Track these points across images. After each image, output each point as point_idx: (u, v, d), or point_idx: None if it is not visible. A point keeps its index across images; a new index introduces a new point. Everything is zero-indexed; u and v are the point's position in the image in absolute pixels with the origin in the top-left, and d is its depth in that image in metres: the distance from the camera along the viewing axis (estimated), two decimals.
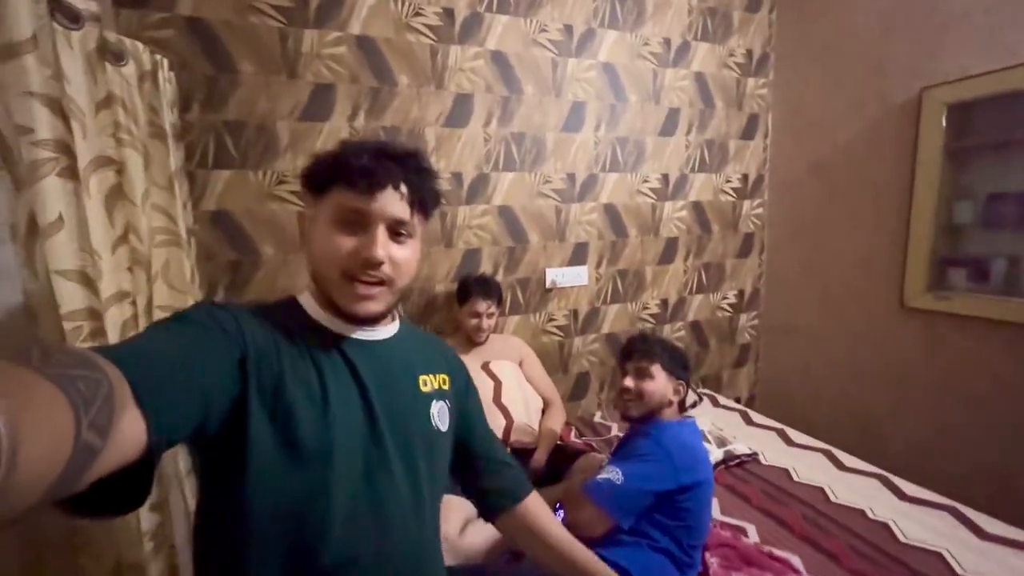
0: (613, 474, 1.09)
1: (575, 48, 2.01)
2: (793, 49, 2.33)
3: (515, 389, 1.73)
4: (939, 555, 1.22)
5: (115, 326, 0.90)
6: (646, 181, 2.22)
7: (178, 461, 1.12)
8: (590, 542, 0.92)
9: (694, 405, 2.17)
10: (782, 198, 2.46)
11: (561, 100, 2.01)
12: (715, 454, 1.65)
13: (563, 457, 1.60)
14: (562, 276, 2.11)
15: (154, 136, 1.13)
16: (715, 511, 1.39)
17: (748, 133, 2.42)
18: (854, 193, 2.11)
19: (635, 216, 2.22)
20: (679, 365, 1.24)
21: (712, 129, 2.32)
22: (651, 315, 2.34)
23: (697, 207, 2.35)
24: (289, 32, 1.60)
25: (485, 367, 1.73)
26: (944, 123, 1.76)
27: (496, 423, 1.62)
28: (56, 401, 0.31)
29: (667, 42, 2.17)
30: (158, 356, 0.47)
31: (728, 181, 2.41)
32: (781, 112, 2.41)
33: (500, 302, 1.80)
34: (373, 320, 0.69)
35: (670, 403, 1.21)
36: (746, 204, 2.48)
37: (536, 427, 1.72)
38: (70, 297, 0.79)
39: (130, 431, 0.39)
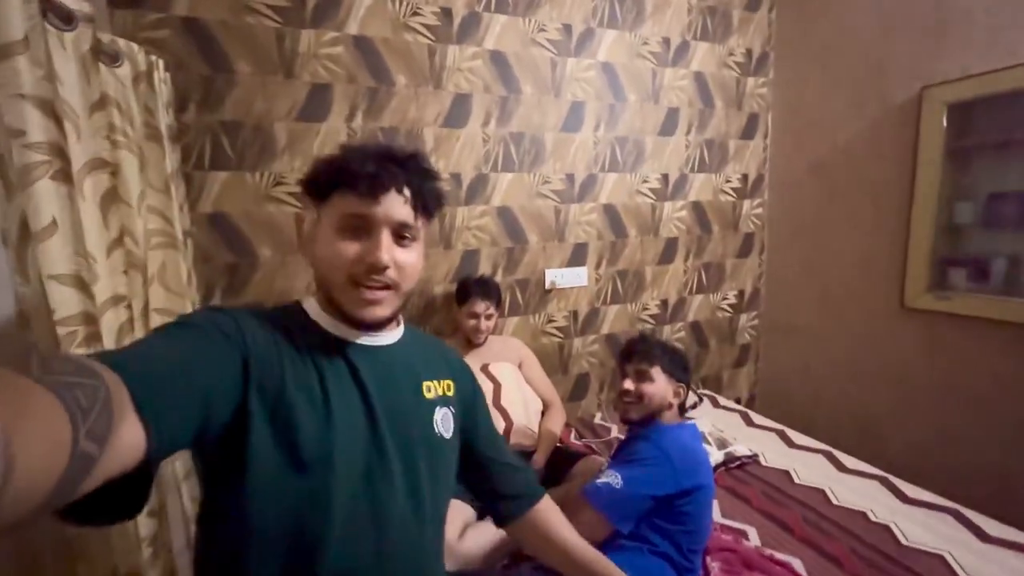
0: (612, 478, 1.09)
1: (574, 48, 2.00)
2: (793, 49, 2.32)
3: (514, 391, 1.72)
4: (941, 557, 1.22)
5: (111, 330, 0.89)
6: (646, 181, 2.21)
7: (176, 465, 1.12)
8: None
9: (694, 406, 2.16)
10: (782, 198, 2.46)
11: (560, 100, 2.00)
12: (715, 456, 1.64)
13: (563, 459, 1.59)
14: (561, 277, 2.11)
15: (150, 138, 1.12)
16: (716, 513, 1.39)
17: (748, 133, 2.41)
18: (854, 193, 2.11)
19: (635, 216, 2.21)
20: (679, 367, 1.24)
21: (712, 129, 2.32)
22: (651, 316, 2.34)
23: (697, 207, 2.35)
24: (286, 32, 1.59)
25: (484, 369, 1.72)
26: (944, 123, 1.75)
27: (495, 425, 1.61)
28: (53, 409, 0.30)
29: (666, 41, 2.16)
30: (158, 362, 0.47)
31: (728, 181, 2.40)
32: (781, 112, 2.41)
33: (499, 303, 1.79)
34: (379, 325, 0.69)
35: (670, 405, 1.21)
36: (746, 204, 2.47)
37: (536, 429, 1.71)
38: (65, 302, 0.78)
39: (129, 439, 0.38)
